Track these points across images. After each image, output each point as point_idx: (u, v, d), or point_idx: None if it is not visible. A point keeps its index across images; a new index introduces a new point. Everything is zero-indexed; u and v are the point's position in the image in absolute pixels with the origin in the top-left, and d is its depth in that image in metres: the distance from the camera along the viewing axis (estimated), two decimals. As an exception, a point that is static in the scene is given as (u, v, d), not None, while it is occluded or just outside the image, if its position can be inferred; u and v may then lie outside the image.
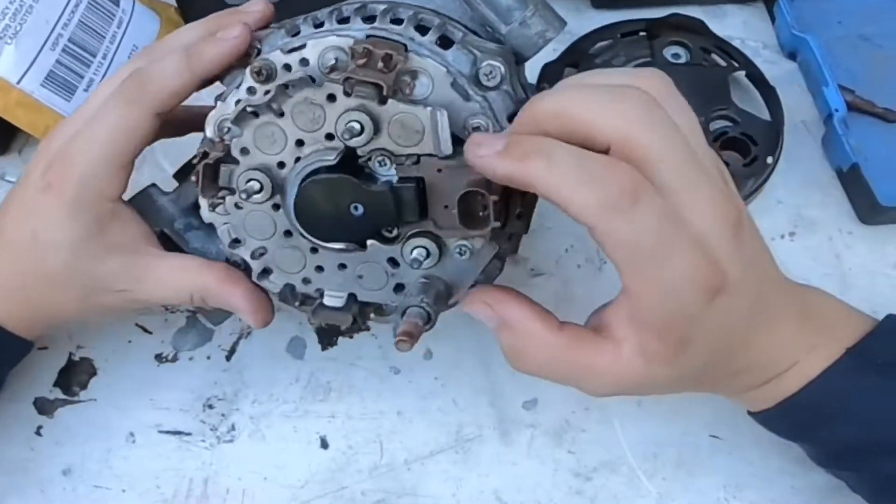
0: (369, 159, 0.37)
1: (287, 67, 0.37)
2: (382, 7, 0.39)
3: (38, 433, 0.50)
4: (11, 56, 0.50)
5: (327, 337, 0.52)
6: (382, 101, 0.36)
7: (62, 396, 0.51)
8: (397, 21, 0.38)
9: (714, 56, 0.56)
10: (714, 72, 0.55)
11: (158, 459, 0.49)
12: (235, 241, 0.42)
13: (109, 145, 0.41)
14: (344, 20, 0.39)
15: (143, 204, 0.44)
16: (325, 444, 0.49)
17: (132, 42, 0.55)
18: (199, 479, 0.48)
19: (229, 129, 0.38)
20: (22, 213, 0.43)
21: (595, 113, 0.33)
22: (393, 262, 0.40)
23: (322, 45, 0.37)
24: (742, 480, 0.47)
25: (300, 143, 0.38)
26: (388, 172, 0.37)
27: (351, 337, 0.52)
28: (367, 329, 0.44)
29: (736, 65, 0.56)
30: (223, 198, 0.40)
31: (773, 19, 0.62)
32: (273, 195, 0.39)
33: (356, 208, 0.37)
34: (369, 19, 0.39)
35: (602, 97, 0.33)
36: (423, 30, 0.38)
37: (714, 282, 0.33)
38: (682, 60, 0.57)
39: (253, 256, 0.42)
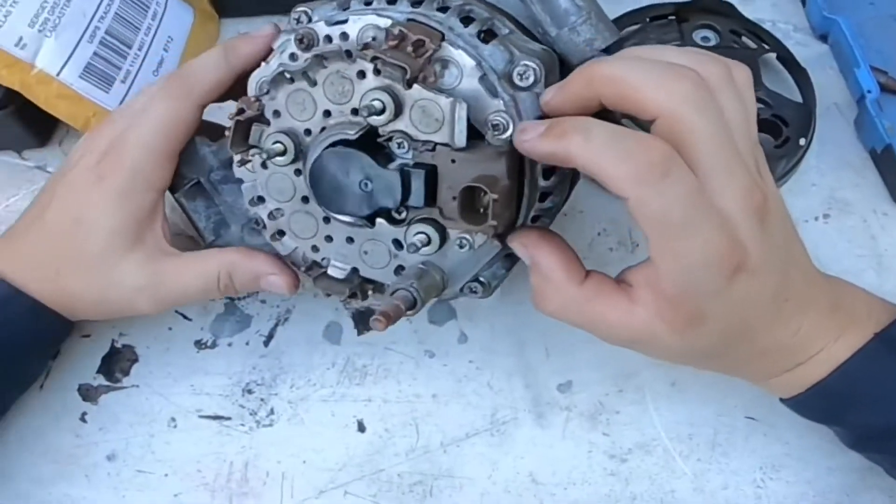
0: (389, 140, 0.39)
1: (328, 39, 0.39)
2: None
3: (83, 420, 0.52)
4: (51, 49, 0.51)
5: (363, 322, 0.53)
6: (408, 84, 0.37)
7: (105, 383, 0.53)
8: (443, 9, 0.40)
9: (744, 39, 0.57)
10: (744, 54, 0.55)
11: (199, 444, 0.51)
12: (258, 199, 0.44)
13: (158, 137, 0.45)
14: (392, 0, 0.40)
15: (186, 152, 0.47)
16: (362, 428, 0.50)
17: (167, 34, 0.57)
18: (239, 462, 0.50)
19: (268, 90, 0.40)
20: (69, 200, 0.46)
21: (649, 85, 0.35)
22: (397, 243, 0.42)
23: (363, 21, 0.38)
24: (778, 461, 0.48)
25: (327, 113, 0.40)
26: (405, 155, 0.39)
27: (386, 322, 0.53)
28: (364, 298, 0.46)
29: (766, 47, 0.56)
30: (252, 156, 0.42)
31: (803, 1, 0.63)
32: (296, 160, 0.41)
33: (366, 185, 0.39)
34: (417, 3, 0.40)
35: (659, 72, 0.35)
36: (467, 21, 0.39)
37: (734, 260, 0.35)
38: (712, 43, 0.57)
39: (270, 217, 0.44)
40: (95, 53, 0.53)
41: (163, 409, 0.52)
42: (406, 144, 0.38)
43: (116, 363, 0.53)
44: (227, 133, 0.41)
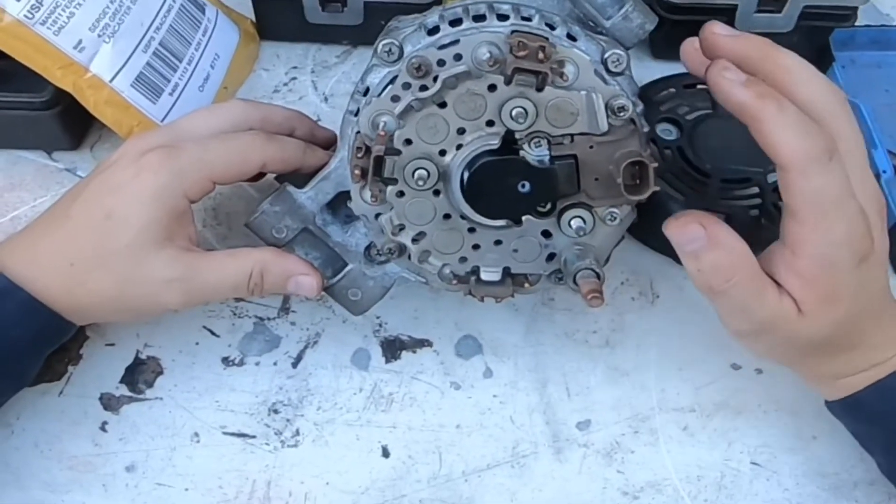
0: (523, 141, 0.45)
1: (441, 63, 0.44)
2: (507, 6, 0.46)
3: (103, 429, 0.54)
4: (108, 55, 0.55)
5: (391, 350, 0.58)
6: (540, 88, 0.43)
7: (128, 393, 0.56)
8: (527, 19, 0.46)
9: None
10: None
11: (222, 460, 0.54)
12: (399, 228, 0.49)
13: (222, 161, 0.49)
14: (479, 17, 0.46)
15: (285, 203, 0.51)
16: (386, 453, 0.55)
17: (214, 51, 0.61)
18: (261, 480, 0.53)
19: (385, 122, 0.45)
20: (101, 194, 0.49)
21: (814, 86, 0.44)
22: (546, 233, 0.49)
23: (476, 40, 0.44)
24: (778, 505, 0.55)
25: (461, 131, 0.46)
26: (541, 153, 0.45)
27: (414, 351, 0.58)
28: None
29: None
30: (385, 188, 0.47)
31: None
32: (437, 182, 0.46)
33: (523, 186, 0.45)
34: (502, 17, 0.46)
35: (822, 77, 0.44)
36: (549, 26, 0.46)
37: (865, 247, 0.43)
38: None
39: (413, 241, 0.49)
40: (148, 63, 0.57)
41: (186, 424, 0.55)
42: (542, 142, 0.45)
43: (140, 374, 0.56)
44: (356, 173, 0.45)
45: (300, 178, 0.51)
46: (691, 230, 0.45)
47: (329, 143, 0.56)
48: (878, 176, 0.61)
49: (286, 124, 0.55)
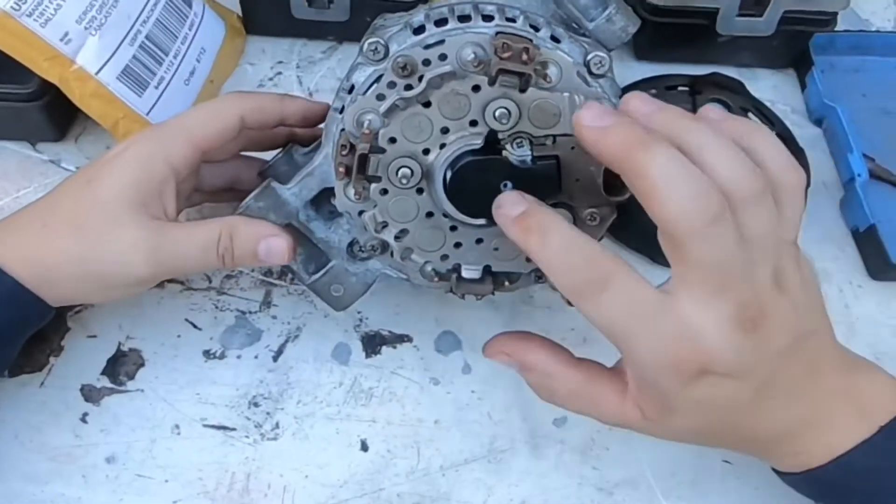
0: (506, 142, 0.46)
1: (426, 62, 0.45)
2: (492, 7, 0.47)
3: (83, 420, 0.55)
4: (94, 47, 0.56)
5: (371, 345, 0.59)
6: (523, 89, 0.45)
7: (109, 385, 0.57)
8: (511, 20, 0.47)
9: (751, 115, 0.66)
10: (750, 130, 0.65)
11: (202, 452, 0.55)
12: (382, 225, 0.50)
13: (200, 121, 0.51)
14: (465, 18, 0.47)
15: (269, 198, 0.51)
16: (365, 447, 0.56)
17: (201, 45, 0.62)
18: (241, 473, 0.54)
19: (369, 121, 0.46)
20: (88, 167, 0.50)
21: (670, 199, 0.38)
22: None
23: (461, 41, 0.45)
24: (749, 502, 0.56)
25: (445, 130, 0.47)
26: (523, 153, 0.46)
27: (394, 347, 0.59)
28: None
29: (771, 125, 0.65)
30: (369, 186, 0.48)
31: (802, 87, 0.75)
32: (420, 180, 0.48)
33: (505, 185, 0.46)
34: (487, 18, 0.47)
35: (686, 189, 0.38)
36: (533, 27, 0.47)
37: (694, 366, 0.40)
38: (721, 117, 0.66)
39: (396, 238, 0.51)
40: (134, 56, 0.58)
41: (167, 416, 0.56)
42: (524, 143, 0.46)
43: (122, 366, 0.57)
44: (340, 170, 0.47)
45: (284, 174, 0.52)
46: (500, 360, 0.47)
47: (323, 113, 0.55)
48: (851, 179, 0.63)
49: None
